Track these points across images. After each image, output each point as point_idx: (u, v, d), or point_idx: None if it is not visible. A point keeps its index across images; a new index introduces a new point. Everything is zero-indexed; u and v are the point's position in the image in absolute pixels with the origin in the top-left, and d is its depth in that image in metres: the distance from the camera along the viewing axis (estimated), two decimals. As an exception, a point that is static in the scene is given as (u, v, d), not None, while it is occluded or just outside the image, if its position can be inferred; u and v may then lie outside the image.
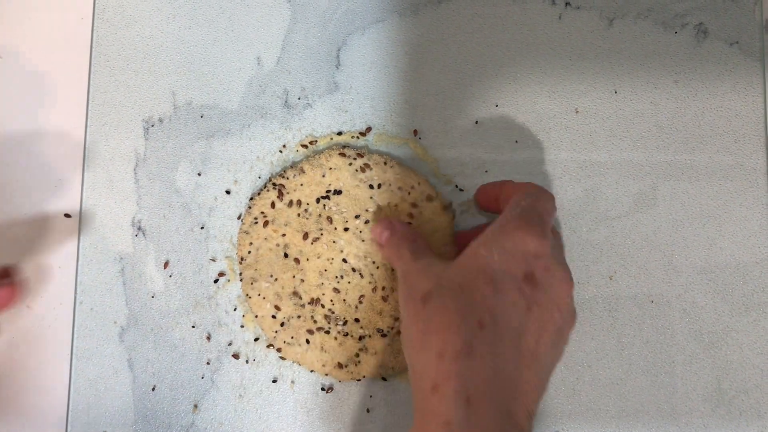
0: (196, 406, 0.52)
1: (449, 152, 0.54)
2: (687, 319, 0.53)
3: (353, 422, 0.52)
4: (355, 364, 0.51)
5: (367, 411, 0.52)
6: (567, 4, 0.55)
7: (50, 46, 0.55)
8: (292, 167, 0.52)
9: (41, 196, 0.54)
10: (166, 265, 0.53)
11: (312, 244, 0.51)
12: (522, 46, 0.55)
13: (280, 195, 0.52)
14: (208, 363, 0.53)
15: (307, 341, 0.51)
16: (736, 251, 0.54)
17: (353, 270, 0.50)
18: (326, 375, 0.51)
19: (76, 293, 0.53)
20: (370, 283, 0.50)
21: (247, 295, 0.52)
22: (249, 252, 0.52)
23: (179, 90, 0.55)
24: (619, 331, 0.53)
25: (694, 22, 0.55)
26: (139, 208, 0.54)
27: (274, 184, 0.52)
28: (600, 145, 0.54)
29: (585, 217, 0.54)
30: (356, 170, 0.51)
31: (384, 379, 0.52)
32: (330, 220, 0.50)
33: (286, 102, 0.55)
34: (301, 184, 0.52)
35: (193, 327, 0.53)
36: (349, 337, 0.50)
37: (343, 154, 0.52)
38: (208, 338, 0.53)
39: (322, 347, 0.51)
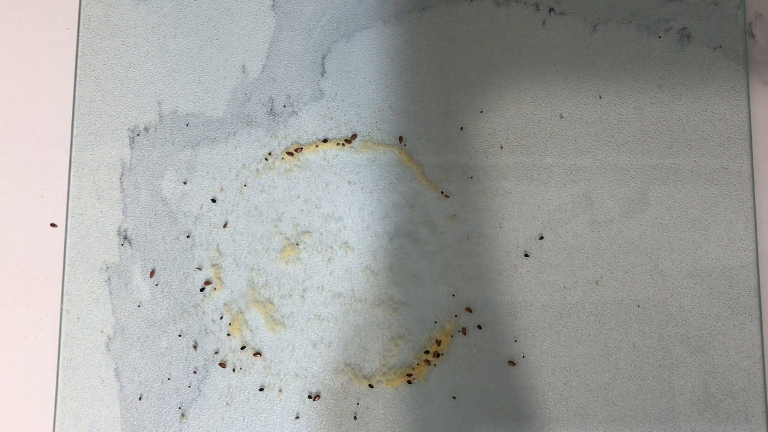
0: (183, 414, 0.52)
1: (434, 158, 0.54)
2: (673, 323, 0.53)
3: (340, 429, 0.52)
4: None
5: (354, 418, 0.52)
6: (551, 9, 0.55)
7: (36, 57, 0.55)
8: None
9: (27, 205, 0.54)
10: (152, 273, 0.53)
11: None
12: (506, 52, 0.55)
13: None
14: (195, 371, 0.52)
15: None
16: (722, 255, 0.54)
17: None
18: None
19: (62, 303, 0.53)
20: None
21: None
22: None
23: (165, 99, 0.55)
24: (606, 335, 0.53)
25: (678, 27, 0.55)
26: (125, 216, 0.54)
27: None
28: (585, 150, 0.54)
29: (571, 222, 0.54)
30: None
31: (371, 386, 0.52)
32: None
33: (271, 110, 0.55)
34: None
35: (180, 336, 0.53)
36: None
37: None
38: (195, 347, 0.53)
39: None
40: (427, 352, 0.53)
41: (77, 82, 0.55)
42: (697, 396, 0.52)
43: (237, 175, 0.54)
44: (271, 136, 0.54)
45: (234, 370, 0.52)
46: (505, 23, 0.55)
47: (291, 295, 0.53)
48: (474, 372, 0.52)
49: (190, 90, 0.55)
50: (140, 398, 0.52)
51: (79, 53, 0.55)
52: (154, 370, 0.52)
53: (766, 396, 0.52)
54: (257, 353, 0.53)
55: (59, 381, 0.52)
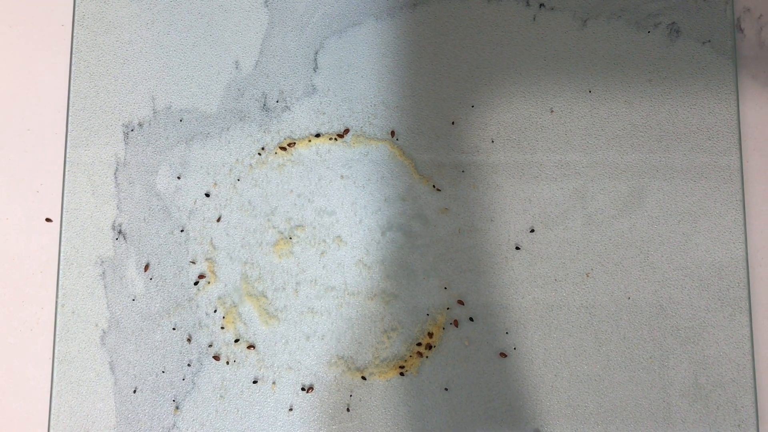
0: (177, 407, 0.53)
1: (426, 153, 0.55)
2: (664, 315, 0.54)
3: (333, 421, 0.52)
4: None
5: (347, 410, 0.52)
6: (541, 5, 0.56)
7: (31, 53, 0.56)
8: None
9: (22, 200, 0.54)
10: (146, 267, 0.54)
11: None
12: (497, 47, 0.56)
13: None
14: (189, 364, 0.53)
15: None
16: (712, 248, 0.54)
17: None
18: None
19: (57, 297, 0.54)
20: None
21: None
22: None
23: (158, 94, 0.55)
24: (597, 327, 0.53)
25: (667, 22, 0.56)
26: (120, 211, 0.54)
27: None
28: (575, 144, 0.55)
29: (561, 216, 0.54)
30: None
31: (364, 378, 0.53)
32: None
33: (264, 105, 0.55)
34: None
35: (174, 329, 0.53)
36: None
37: None
38: (189, 340, 0.53)
39: None
40: (419, 344, 0.53)
41: (72, 78, 0.55)
42: (687, 387, 0.53)
43: (230, 169, 0.55)
44: (264, 132, 0.55)
45: (228, 362, 0.53)
46: (496, 19, 0.56)
47: (284, 289, 0.54)
48: (466, 364, 0.53)
49: (183, 86, 0.55)
50: (135, 391, 0.53)
51: (74, 50, 0.56)
52: (149, 363, 0.53)
53: (755, 387, 0.53)
54: (251, 346, 0.53)
55: (54, 374, 0.53)
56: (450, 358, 0.53)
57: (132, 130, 0.55)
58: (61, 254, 0.54)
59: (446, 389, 0.53)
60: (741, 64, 0.56)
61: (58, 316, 0.53)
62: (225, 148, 0.55)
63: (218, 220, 0.54)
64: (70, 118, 0.55)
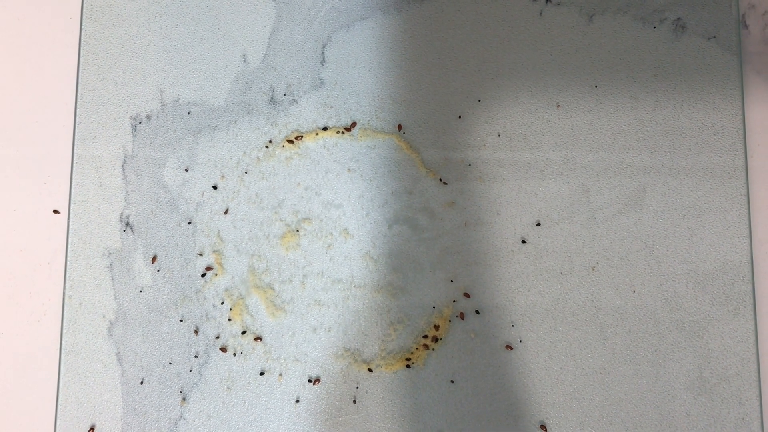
0: (184, 398, 0.53)
1: (433, 146, 0.55)
2: (668, 308, 0.54)
3: (340, 413, 0.53)
4: None
5: (354, 401, 0.53)
6: (548, 0, 0.56)
7: (39, 45, 0.56)
8: None
9: (30, 192, 0.55)
10: (153, 259, 0.54)
11: None
12: (504, 42, 0.56)
13: None
14: (196, 356, 0.53)
15: None
16: (717, 242, 0.54)
17: None
18: None
19: (65, 288, 0.54)
20: None
21: None
22: None
23: (166, 87, 0.55)
24: (602, 320, 0.54)
25: (672, 18, 0.56)
26: (127, 204, 0.54)
27: None
28: (581, 138, 0.55)
29: (567, 209, 0.55)
30: None
31: (370, 370, 0.53)
32: None
33: (272, 98, 0.55)
34: None
35: (181, 321, 0.53)
36: None
37: None
38: (196, 332, 0.53)
39: None
40: (425, 336, 0.53)
41: (80, 70, 0.56)
42: (691, 380, 0.53)
43: (238, 162, 0.55)
44: (271, 125, 0.55)
45: (235, 354, 0.53)
46: (503, 14, 0.56)
47: (291, 281, 0.54)
48: (472, 356, 0.53)
49: (191, 79, 0.55)
50: (142, 382, 0.53)
51: (82, 42, 0.56)
52: (156, 354, 0.53)
53: (759, 380, 0.53)
54: (258, 338, 0.53)
55: (62, 366, 0.53)
56: (456, 350, 0.53)
57: (140, 123, 0.55)
58: (69, 246, 0.54)
59: (452, 381, 0.53)
60: (746, 60, 0.56)
61: (65, 308, 0.54)
62: (232, 140, 0.55)
63: (225, 212, 0.54)
64: (78, 110, 0.55)
